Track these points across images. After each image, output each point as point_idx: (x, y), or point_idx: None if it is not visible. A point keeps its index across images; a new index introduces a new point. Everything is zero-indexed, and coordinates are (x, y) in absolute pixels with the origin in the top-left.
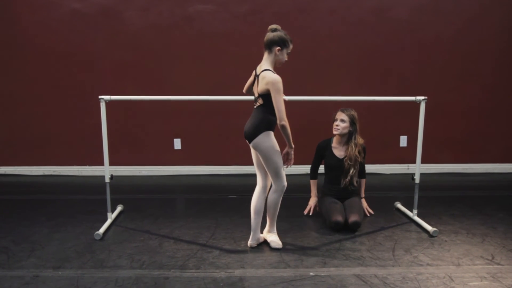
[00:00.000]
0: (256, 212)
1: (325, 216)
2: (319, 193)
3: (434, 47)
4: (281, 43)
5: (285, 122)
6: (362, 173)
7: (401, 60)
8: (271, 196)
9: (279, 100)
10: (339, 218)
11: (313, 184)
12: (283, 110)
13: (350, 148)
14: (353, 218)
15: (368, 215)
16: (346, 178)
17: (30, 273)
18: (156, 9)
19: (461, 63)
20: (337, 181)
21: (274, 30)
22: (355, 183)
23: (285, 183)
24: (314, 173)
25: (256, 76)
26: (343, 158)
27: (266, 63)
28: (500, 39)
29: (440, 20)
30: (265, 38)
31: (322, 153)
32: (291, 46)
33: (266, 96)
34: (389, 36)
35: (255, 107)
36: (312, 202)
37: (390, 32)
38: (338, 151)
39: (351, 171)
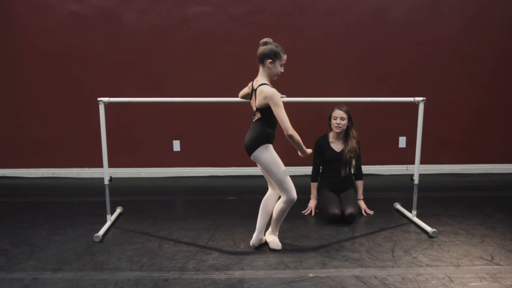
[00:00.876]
0: (266, 213)
1: (322, 209)
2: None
3: (432, 47)
4: (272, 55)
5: (292, 132)
6: (359, 174)
7: (400, 61)
8: (280, 205)
9: (281, 112)
10: (336, 210)
11: (313, 186)
12: (287, 120)
13: (350, 142)
14: (349, 210)
15: (365, 214)
16: (347, 168)
17: (29, 275)
18: (154, 10)
19: (460, 64)
20: (336, 172)
21: (265, 43)
22: (353, 171)
23: (294, 196)
24: (315, 176)
25: (253, 90)
26: (341, 151)
27: (261, 77)
28: (499, 39)
29: (439, 21)
30: (257, 53)
31: (321, 148)
32: (284, 57)
33: (264, 110)
34: (388, 36)
35: (253, 120)
36: (312, 204)
37: (389, 32)
38: (336, 145)
39: (352, 162)
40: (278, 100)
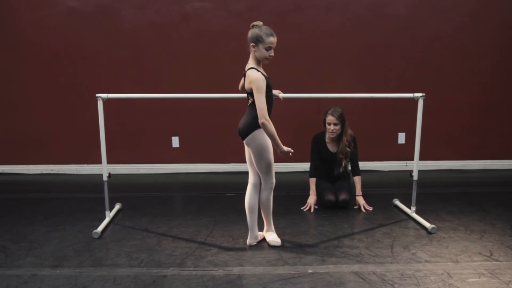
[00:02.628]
0: (251, 210)
1: (319, 195)
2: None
3: (432, 43)
4: (254, 39)
5: (265, 121)
6: (356, 170)
7: (400, 56)
8: (262, 195)
9: (259, 98)
10: (331, 197)
11: (312, 182)
12: (264, 108)
13: (342, 144)
14: (342, 196)
15: (364, 210)
16: (340, 168)
17: (28, 272)
18: (153, 6)
19: (459, 60)
20: (330, 171)
21: (252, 27)
22: (347, 170)
23: (274, 180)
24: (313, 171)
25: (244, 74)
26: (335, 152)
27: (251, 61)
28: (499, 35)
29: (439, 17)
30: None
31: (319, 146)
32: (268, 40)
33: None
34: (388, 32)
35: (248, 105)
36: (312, 200)
37: (388, 28)
38: (331, 146)
39: (343, 163)
40: (260, 86)
